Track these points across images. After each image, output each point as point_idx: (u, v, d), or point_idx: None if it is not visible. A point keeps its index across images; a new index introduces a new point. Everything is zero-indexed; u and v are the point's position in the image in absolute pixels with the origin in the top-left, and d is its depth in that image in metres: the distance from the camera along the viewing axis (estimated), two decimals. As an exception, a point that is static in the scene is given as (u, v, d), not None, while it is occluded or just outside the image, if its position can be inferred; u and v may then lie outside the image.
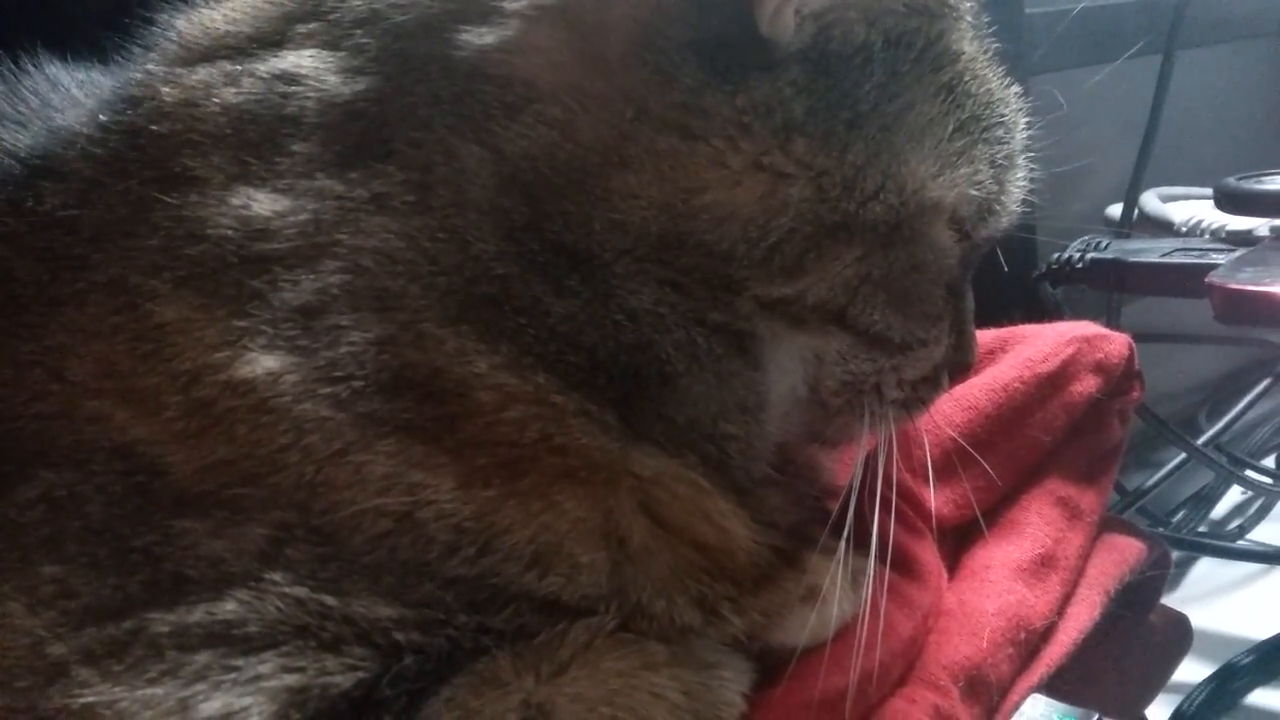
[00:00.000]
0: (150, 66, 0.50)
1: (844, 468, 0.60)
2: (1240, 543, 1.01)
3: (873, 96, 0.45)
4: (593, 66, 0.44)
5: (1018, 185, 0.51)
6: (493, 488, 0.42)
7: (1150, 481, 0.99)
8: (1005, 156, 0.50)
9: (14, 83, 0.58)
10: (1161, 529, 0.98)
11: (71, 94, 0.55)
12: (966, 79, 0.48)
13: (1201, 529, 1.04)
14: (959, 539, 0.62)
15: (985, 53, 0.50)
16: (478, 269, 0.44)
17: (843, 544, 0.48)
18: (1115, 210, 0.95)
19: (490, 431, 0.43)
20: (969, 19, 0.49)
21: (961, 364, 0.55)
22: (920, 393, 0.53)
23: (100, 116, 0.49)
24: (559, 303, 0.44)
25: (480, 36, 0.45)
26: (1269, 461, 1.11)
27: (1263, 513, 1.06)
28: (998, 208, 0.50)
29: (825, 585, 0.49)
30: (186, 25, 0.51)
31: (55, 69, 0.59)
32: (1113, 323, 0.89)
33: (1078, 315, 0.74)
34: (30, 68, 0.59)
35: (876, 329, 0.48)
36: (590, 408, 0.44)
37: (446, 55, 0.45)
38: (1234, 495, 1.09)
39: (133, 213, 0.46)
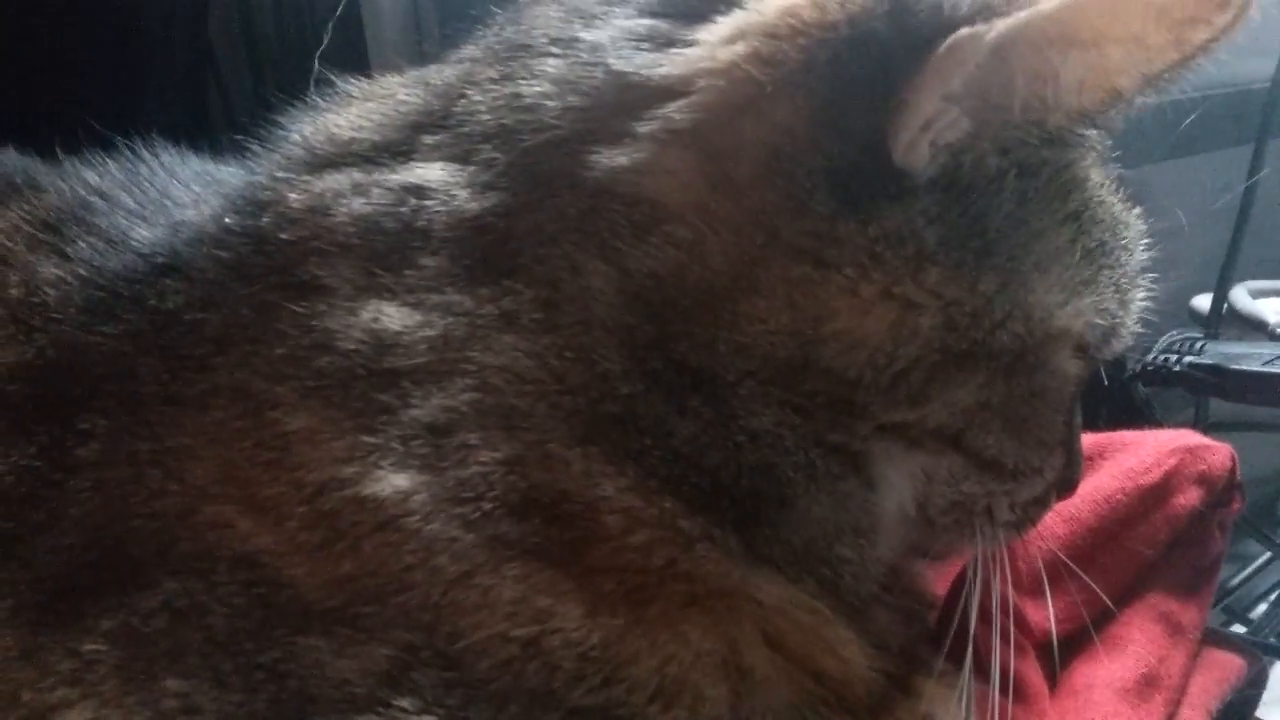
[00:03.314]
0: (276, 171, 0.51)
1: (940, 579, 0.60)
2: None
3: (1003, 226, 0.45)
4: (721, 189, 0.44)
5: (1138, 305, 0.51)
6: (619, 616, 0.42)
7: (1235, 580, 0.97)
8: (1127, 279, 0.50)
9: (131, 170, 0.59)
10: (1242, 627, 0.96)
11: (191, 189, 0.55)
12: (1093, 206, 0.48)
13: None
14: (1059, 654, 0.61)
15: (1109, 178, 0.50)
16: (604, 388, 0.44)
17: (965, 675, 0.47)
18: (1200, 302, 0.94)
19: (617, 557, 0.42)
20: (1097, 147, 0.49)
21: (1070, 481, 0.54)
22: (1030, 513, 0.53)
23: (226, 219, 0.50)
24: (682, 423, 0.44)
25: (611, 158, 0.45)
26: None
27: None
28: (1121, 330, 0.50)
29: (937, 711, 0.48)
30: (312, 131, 0.52)
31: (170, 157, 0.60)
32: (1201, 414, 0.87)
33: (1163, 406, 0.73)
34: (146, 155, 0.60)
35: (990, 454, 0.48)
36: (714, 532, 0.44)
37: (575, 173, 0.45)
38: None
39: (258, 318, 0.46)
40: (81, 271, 0.51)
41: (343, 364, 0.44)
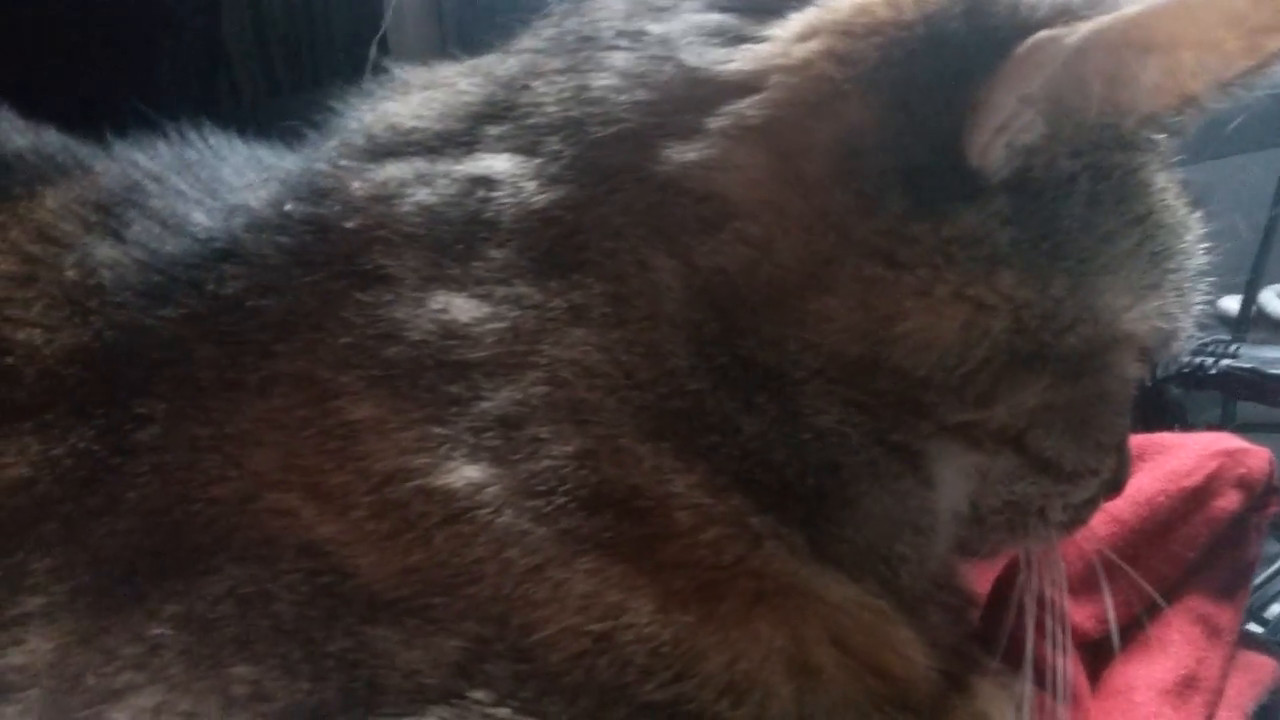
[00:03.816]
0: (336, 159, 0.50)
1: (980, 577, 0.60)
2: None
3: (1074, 228, 0.45)
4: (792, 187, 0.44)
5: (1195, 309, 0.51)
6: (691, 612, 0.42)
7: (1258, 580, 0.97)
8: (1188, 283, 0.50)
9: (181, 154, 0.58)
10: (1258, 627, 0.96)
11: (244, 174, 0.55)
12: (1159, 210, 0.48)
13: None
14: (1097, 653, 0.62)
15: (1174, 182, 0.50)
16: (672, 384, 0.44)
17: (1026, 682, 0.48)
18: (1228, 304, 0.94)
19: (689, 553, 0.42)
20: (1163, 150, 0.49)
21: (1118, 482, 0.54)
22: (1081, 514, 0.53)
23: (286, 205, 0.50)
24: (749, 421, 0.44)
25: (681, 153, 0.45)
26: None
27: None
28: (1180, 334, 0.50)
29: (991, 711, 0.48)
30: (372, 118, 0.52)
31: (219, 141, 0.59)
32: (1228, 415, 0.88)
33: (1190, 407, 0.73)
34: (194, 138, 0.60)
35: (1050, 455, 0.48)
36: (781, 530, 0.44)
37: (643, 168, 0.45)
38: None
39: (322, 306, 0.46)
40: (137, 254, 0.51)
41: (410, 354, 0.44)
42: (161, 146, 0.58)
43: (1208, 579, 0.64)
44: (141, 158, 0.56)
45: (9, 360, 0.49)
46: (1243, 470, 0.64)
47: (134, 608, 0.43)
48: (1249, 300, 0.93)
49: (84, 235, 0.52)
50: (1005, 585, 0.57)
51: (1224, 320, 0.94)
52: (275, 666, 0.41)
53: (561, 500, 0.42)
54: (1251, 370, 0.78)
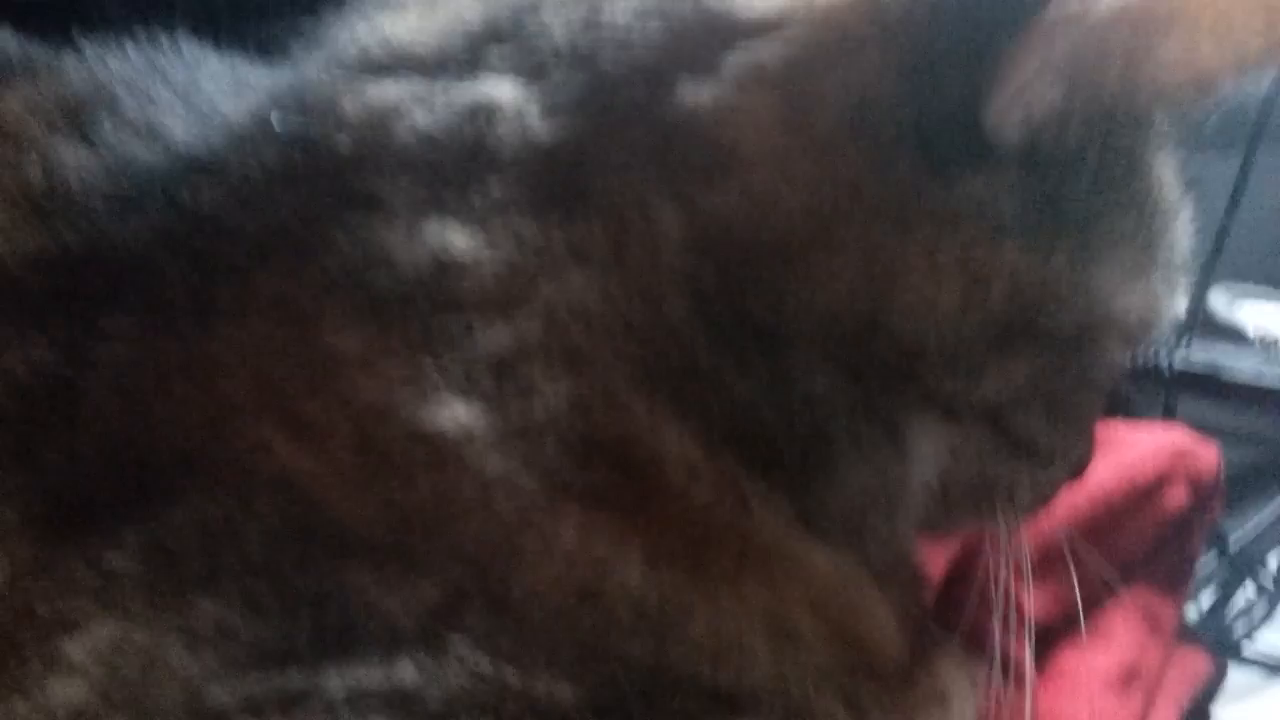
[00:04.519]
0: (325, 73, 0.48)
1: (932, 556, 0.60)
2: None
3: (1078, 204, 0.45)
4: (802, 138, 0.43)
5: (1177, 297, 0.51)
6: (679, 570, 0.41)
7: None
8: (1175, 270, 0.50)
9: (154, 59, 0.55)
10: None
11: (220, 83, 0.53)
12: (1157, 192, 0.47)
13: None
14: (1042, 638, 0.62)
15: (1171, 166, 0.50)
16: (668, 336, 0.42)
17: (994, 666, 0.48)
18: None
19: (680, 511, 0.41)
20: (1168, 132, 0.49)
21: (1082, 465, 0.55)
22: (1046, 496, 0.53)
23: (270, 118, 0.47)
24: (741, 380, 0.43)
25: (692, 93, 0.43)
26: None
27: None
28: (1162, 322, 0.50)
29: (951, 689, 0.48)
30: (365, 31, 0.49)
31: (194, 49, 0.57)
32: (1169, 410, 0.89)
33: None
34: (165, 44, 0.57)
35: (1026, 433, 0.48)
36: (770, 494, 0.43)
37: (652, 106, 0.44)
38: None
39: (306, 229, 0.44)
40: (107, 160, 0.48)
41: (400, 284, 0.42)
42: (131, 49, 0.55)
43: (1152, 572, 0.65)
44: (112, 60, 0.53)
45: None
46: (1194, 469, 0.66)
47: (90, 535, 0.41)
48: (1199, 299, 0.94)
49: (48, 136, 0.49)
50: (963, 565, 0.58)
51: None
52: (242, 602, 0.39)
53: (552, 448, 0.40)
54: (1210, 374, 0.79)
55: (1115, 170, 0.46)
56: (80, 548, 0.41)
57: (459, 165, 0.44)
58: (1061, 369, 0.47)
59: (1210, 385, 0.78)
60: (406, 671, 0.38)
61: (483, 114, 0.45)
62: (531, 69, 0.45)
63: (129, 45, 0.56)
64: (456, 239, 0.43)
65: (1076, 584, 0.58)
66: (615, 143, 0.44)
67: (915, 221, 0.43)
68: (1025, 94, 0.42)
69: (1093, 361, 0.48)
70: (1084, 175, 0.45)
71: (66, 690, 0.39)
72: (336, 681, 0.38)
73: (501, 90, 0.45)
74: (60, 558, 0.41)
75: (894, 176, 0.43)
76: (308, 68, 0.50)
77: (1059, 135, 0.44)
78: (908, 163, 0.43)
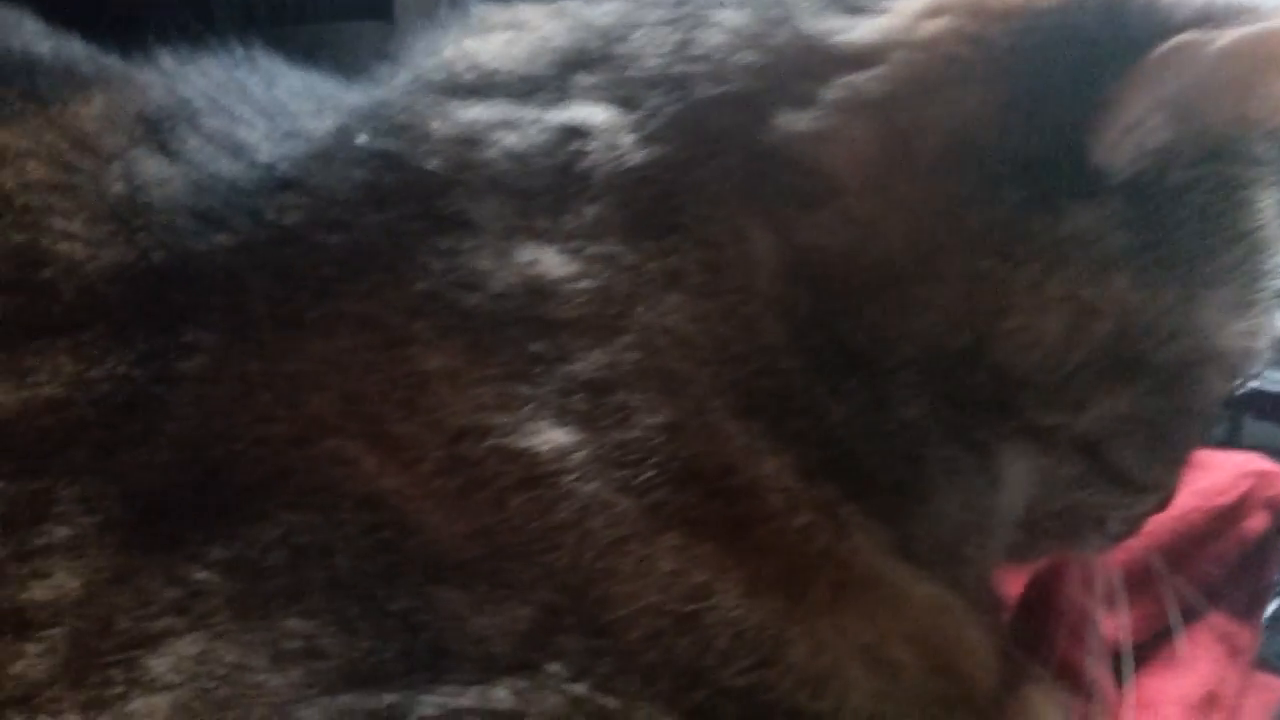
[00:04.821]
0: (413, 94, 0.48)
1: (1012, 581, 0.59)
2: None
3: (1186, 238, 0.44)
4: (903, 168, 0.43)
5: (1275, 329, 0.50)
6: (778, 598, 0.40)
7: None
8: (1273, 302, 0.49)
9: (233, 73, 0.55)
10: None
11: (303, 101, 0.52)
12: (1263, 227, 0.47)
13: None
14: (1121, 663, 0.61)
15: (1275, 200, 0.49)
16: (764, 361, 0.42)
17: (1092, 683, 0.47)
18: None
19: (778, 538, 0.41)
20: (1271, 167, 0.48)
21: (1169, 497, 0.54)
22: (1134, 526, 0.52)
23: (357, 137, 0.47)
24: (837, 406, 0.43)
25: (790, 121, 0.43)
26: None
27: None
28: (1260, 355, 0.49)
29: (1042, 718, 0.47)
30: (453, 54, 0.49)
31: (270, 63, 0.56)
32: (1234, 434, 0.88)
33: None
34: (242, 57, 0.57)
35: (1124, 466, 0.47)
36: (867, 522, 0.42)
37: (748, 133, 0.43)
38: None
39: (394, 248, 0.44)
40: (190, 174, 0.48)
41: (492, 306, 0.42)
42: (209, 63, 0.55)
43: (1231, 599, 0.64)
44: (193, 73, 0.53)
45: (46, 273, 0.46)
46: (1272, 492, 0.65)
47: (172, 549, 0.41)
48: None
49: (130, 148, 0.49)
50: (1040, 589, 0.57)
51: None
52: (331, 622, 0.39)
53: (650, 473, 0.40)
54: (1274, 391, 0.77)
55: (1223, 205, 0.45)
56: (162, 561, 0.41)
57: (550, 188, 0.44)
58: (1163, 402, 0.46)
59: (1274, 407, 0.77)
60: (502, 695, 0.38)
61: (575, 137, 0.44)
62: (623, 96, 0.45)
63: (207, 58, 0.56)
64: (549, 262, 0.42)
65: (1165, 608, 0.57)
66: (710, 169, 0.43)
67: (1021, 253, 0.42)
68: (1136, 129, 0.42)
69: (1194, 394, 0.47)
70: (1192, 210, 0.44)
71: (149, 705, 0.39)
72: (429, 705, 0.37)
73: (594, 115, 0.45)
74: (142, 570, 0.41)
75: (998, 207, 0.42)
76: (393, 88, 0.49)
77: (1168, 170, 0.44)
78: (1013, 194, 0.42)
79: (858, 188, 0.43)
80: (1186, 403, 0.46)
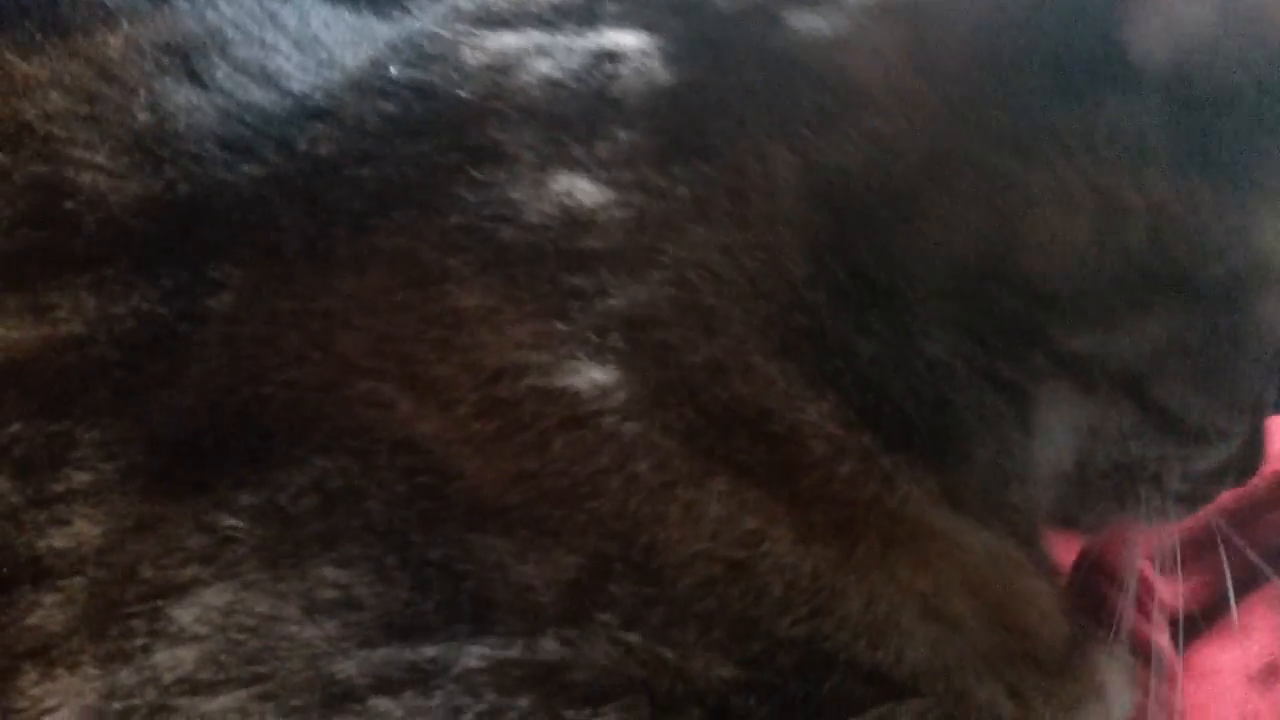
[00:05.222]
0: (444, 24, 0.46)
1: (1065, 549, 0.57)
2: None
3: (1231, 143, 0.41)
4: (927, 75, 0.40)
5: None
6: (830, 548, 0.38)
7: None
8: None
9: (263, 2, 0.53)
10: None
11: (334, 31, 0.50)
12: None
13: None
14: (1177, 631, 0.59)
15: None
16: (793, 296, 0.40)
17: (1156, 652, 0.45)
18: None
19: (825, 487, 0.39)
20: None
21: (1250, 467, 0.51)
22: (1206, 489, 0.49)
23: (389, 67, 0.45)
24: (864, 343, 0.40)
25: (810, 25, 0.41)
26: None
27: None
28: None
29: (1108, 681, 0.45)
30: None
31: (300, -4, 0.54)
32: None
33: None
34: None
35: (1172, 406, 0.44)
36: (912, 471, 0.40)
37: (765, 44, 0.41)
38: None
39: (428, 181, 0.42)
40: (219, 102, 0.46)
41: (528, 239, 0.40)
42: None
43: (1292, 565, 0.61)
44: (223, 2, 0.51)
45: (69, 205, 0.44)
46: (1339, 459, 0.62)
47: (198, 495, 0.39)
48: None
49: (158, 77, 0.47)
50: (1099, 556, 0.54)
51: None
52: (367, 571, 0.37)
53: (693, 415, 0.38)
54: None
55: (1276, 111, 0.42)
56: (188, 508, 0.39)
57: (584, 114, 0.42)
58: (1210, 331, 0.42)
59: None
60: (550, 646, 0.36)
61: (607, 61, 0.42)
62: (647, 20, 0.43)
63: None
64: (584, 190, 0.40)
65: (1228, 575, 0.54)
66: (728, 86, 0.41)
67: (1046, 150, 0.40)
68: (1175, 19, 0.40)
69: (1248, 325, 0.43)
70: (1240, 113, 0.41)
71: (174, 658, 0.37)
72: (474, 657, 0.35)
73: (624, 39, 0.43)
74: (166, 517, 0.39)
75: (1025, 104, 0.40)
76: (425, 19, 0.47)
77: (1214, 69, 0.41)
78: (1040, 89, 0.40)
79: (880, 99, 0.40)
80: (1238, 332, 0.43)
